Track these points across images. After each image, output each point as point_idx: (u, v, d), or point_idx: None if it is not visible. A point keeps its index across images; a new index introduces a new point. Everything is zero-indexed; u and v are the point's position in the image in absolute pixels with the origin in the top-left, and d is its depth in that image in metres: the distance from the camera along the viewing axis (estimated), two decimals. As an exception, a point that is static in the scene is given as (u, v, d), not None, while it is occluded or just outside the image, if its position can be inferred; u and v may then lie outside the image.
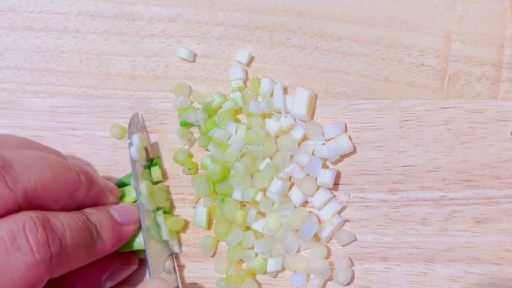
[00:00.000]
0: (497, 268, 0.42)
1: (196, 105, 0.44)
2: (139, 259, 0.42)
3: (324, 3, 0.45)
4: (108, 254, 0.39)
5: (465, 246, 0.42)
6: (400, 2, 0.45)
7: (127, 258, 0.41)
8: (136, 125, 0.42)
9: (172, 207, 0.43)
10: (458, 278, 0.42)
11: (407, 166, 0.43)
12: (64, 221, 0.35)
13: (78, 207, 0.37)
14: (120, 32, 0.45)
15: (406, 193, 0.43)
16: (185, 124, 0.44)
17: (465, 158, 0.43)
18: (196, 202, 0.43)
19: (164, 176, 0.44)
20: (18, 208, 0.34)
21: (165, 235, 0.41)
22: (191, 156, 0.44)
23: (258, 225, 0.42)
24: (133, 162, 0.41)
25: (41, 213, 0.34)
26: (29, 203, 0.34)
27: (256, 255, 0.42)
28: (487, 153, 0.43)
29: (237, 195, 0.42)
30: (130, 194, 0.41)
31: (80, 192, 0.37)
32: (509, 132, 0.43)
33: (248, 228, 0.42)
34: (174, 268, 0.42)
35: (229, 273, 0.41)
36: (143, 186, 0.40)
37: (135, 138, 0.41)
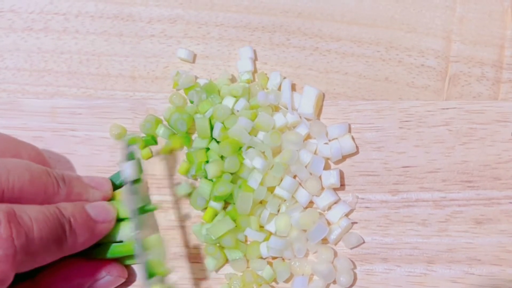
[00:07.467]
0: (497, 269, 0.42)
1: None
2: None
3: (324, 4, 0.45)
4: (97, 261, 0.39)
5: (465, 247, 0.42)
6: (400, 2, 0.45)
7: (117, 269, 0.40)
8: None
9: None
10: (458, 279, 0.42)
11: (407, 167, 0.43)
12: (32, 215, 0.34)
13: None
14: (120, 33, 0.45)
15: (406, 194, 0.43)
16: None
17: (466, 159, 0.43)
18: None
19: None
20: None
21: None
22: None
23: (271, 226, 0.42)
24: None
25: (6, 205, 0.33)
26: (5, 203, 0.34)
27: (268, 249, 0.41)
28: (488, 154, 0.43)
29: (253, 183, 0.41)
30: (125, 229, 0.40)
31: (59, 197, 0.37)
32: (510, 133, 0.43)
33: (261, 227, 0.42)
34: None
35: (246, 279, 0.41)
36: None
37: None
